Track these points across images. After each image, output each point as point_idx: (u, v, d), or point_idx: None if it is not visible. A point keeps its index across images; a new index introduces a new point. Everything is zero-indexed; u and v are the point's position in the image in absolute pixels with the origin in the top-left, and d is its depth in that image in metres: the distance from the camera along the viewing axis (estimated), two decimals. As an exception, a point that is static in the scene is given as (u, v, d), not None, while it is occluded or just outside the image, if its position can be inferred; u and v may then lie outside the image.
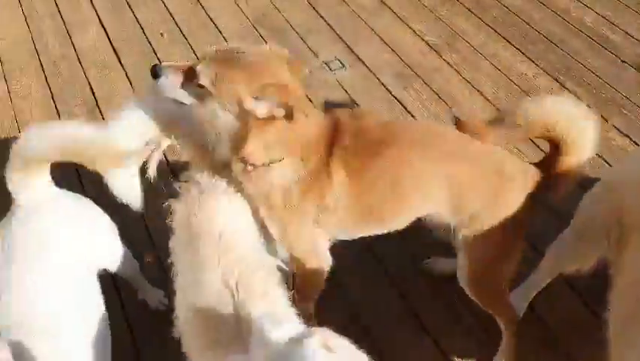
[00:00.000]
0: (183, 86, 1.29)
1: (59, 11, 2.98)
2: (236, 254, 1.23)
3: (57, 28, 2.89)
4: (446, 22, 2.79)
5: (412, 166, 1.36)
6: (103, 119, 2.44)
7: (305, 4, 2.95)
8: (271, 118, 1.23)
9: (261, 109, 1.22)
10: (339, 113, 1.44)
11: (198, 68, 1.24)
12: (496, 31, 2.72)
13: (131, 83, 2.60)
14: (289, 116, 1.21)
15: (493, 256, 1.44)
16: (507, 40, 2.66)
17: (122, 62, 2.70)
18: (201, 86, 1.24)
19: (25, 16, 2.96)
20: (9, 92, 2.57)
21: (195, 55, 2.63)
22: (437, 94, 2.47)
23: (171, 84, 1.29)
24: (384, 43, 2.71)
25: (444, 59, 2.62)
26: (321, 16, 2.88)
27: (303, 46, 2.73)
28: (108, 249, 1.56)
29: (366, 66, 2.61)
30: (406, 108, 2.43)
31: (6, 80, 2.63)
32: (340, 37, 2.75)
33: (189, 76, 1.27)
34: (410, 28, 2.78)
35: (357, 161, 1.35)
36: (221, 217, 1.30)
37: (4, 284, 1.25)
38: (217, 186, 1.38)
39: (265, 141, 1.27)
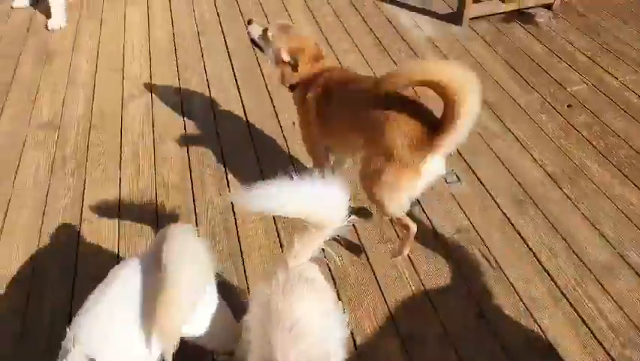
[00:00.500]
0: (261, 35, 2.33)
1: (209, 88, 3.40)
2: (305, 344, 1.30)
3: (205, 106, 3.27)
4: (569, 155, 2.79)
5: (346, 114, 2.08)
6: (228, 185, 2.68)
7: (428, 116, 3.11)
8: (288, 62, 2.23)
9: (285, 56, 2.22)
10: (333, 68, 2.28)
11: (269, 28, 2.30)
12: (622, 173, 2.67)
13: (257, 158, 2.85)
14: (295, 65, 2.22)
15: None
16: (634, 184, 2.60)
17: (254, 140, 2.98)
18: (267, 38, 2.29)
19: (180, 87, 3.41)
20: (155, 158, 2.92)
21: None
22: (552, 225, 2.43)
23: (255, 32, 2.36)
24: (504, 165, 2.75)
25: (563, 191, 2.59)
26: (442, 129, 3.01)
27: (422, 154, 2.84)
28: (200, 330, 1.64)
29: (483, 185, 2.65)
30: (519, 233, 2.41)
31: (155, 148, 3.00)
32: (459, 152, 2.84)
33: (264, 31, 2.31)
34: (531, 155, 2.81)
35: (319, 97, 2.17)
36: (300, 306, 1.37)
37: (91, 309, 1.44)
38: (302, 274, 1.46)
39: (285, 72, 2.27)
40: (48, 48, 3.86)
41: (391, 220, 2.40)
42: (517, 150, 2.86)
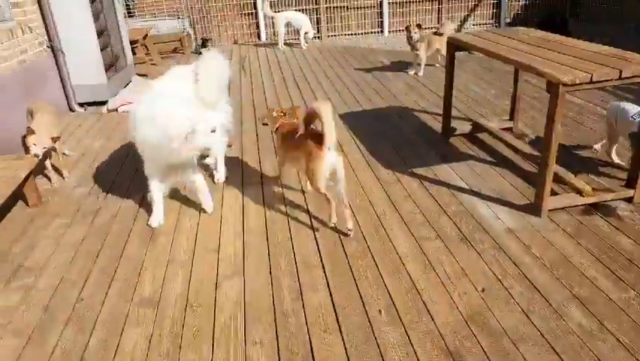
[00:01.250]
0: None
1: (297, 271, 3.57)
2: None
3: (292, 285, 3.42)
4: (682, 364, 2.59)
5: (292, 147, 4.07)
6: (317, 382, 2.64)
7: (518, 310, 3.05)
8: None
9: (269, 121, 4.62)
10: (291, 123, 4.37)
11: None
12: None
13: (346, 350, 2.84)
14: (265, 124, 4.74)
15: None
16: None
17: (341, 327, 3.01)
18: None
19: (270, 269, 3.61)
20: (245, 341, 3.00)
21: (406, 332, 2.84)
22: None
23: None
24: (609, 372, 2.58)
25: (685, 408, 2.35)
26: (534, 325, 2.92)
27: (516, 354, 2.73)
28: None
29: (589, 394, 2.46)
30: None
31: (245, 330, 3.10)
32: (558, 355, 2.71)
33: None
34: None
35: (280, 135, 4.36)
36: None
37: None
38: None
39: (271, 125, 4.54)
40: (154, 228, 4.30)
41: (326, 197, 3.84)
42: (622, 355, 2.69)
